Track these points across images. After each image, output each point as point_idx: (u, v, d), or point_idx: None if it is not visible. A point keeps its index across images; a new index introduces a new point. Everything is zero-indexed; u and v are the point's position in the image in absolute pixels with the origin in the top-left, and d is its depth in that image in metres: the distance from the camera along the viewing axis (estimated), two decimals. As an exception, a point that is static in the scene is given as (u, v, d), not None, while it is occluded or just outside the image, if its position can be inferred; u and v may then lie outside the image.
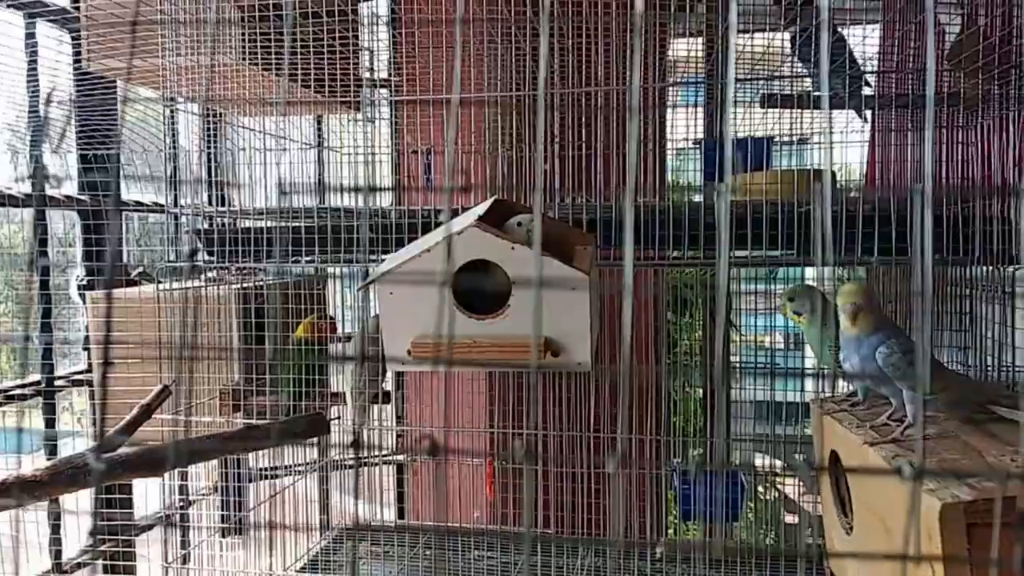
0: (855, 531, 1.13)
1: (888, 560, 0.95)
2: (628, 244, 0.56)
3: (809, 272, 2.02)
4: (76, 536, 2.14)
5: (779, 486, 3.08)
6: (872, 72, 1.94)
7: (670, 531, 2.93)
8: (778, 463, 2.52)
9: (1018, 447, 0.95)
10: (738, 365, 2.91)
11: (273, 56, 1.90)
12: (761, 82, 2.09)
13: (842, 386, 1.50)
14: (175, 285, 1.93)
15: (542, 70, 0.50)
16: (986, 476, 0.85)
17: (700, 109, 2.73)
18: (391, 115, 2.51)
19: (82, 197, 2.24)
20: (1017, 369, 1.59)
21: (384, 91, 2.53)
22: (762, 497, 3.34)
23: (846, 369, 1.15)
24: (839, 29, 1.79)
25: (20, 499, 1.33)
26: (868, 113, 2.11)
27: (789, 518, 3.11)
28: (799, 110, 1.97)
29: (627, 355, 0.52)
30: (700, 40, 2.69)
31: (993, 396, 1.08)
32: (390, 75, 2.45)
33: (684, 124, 2.60)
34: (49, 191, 2.16)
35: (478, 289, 1.43)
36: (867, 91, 1.82)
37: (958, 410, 1.02)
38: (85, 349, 2.16)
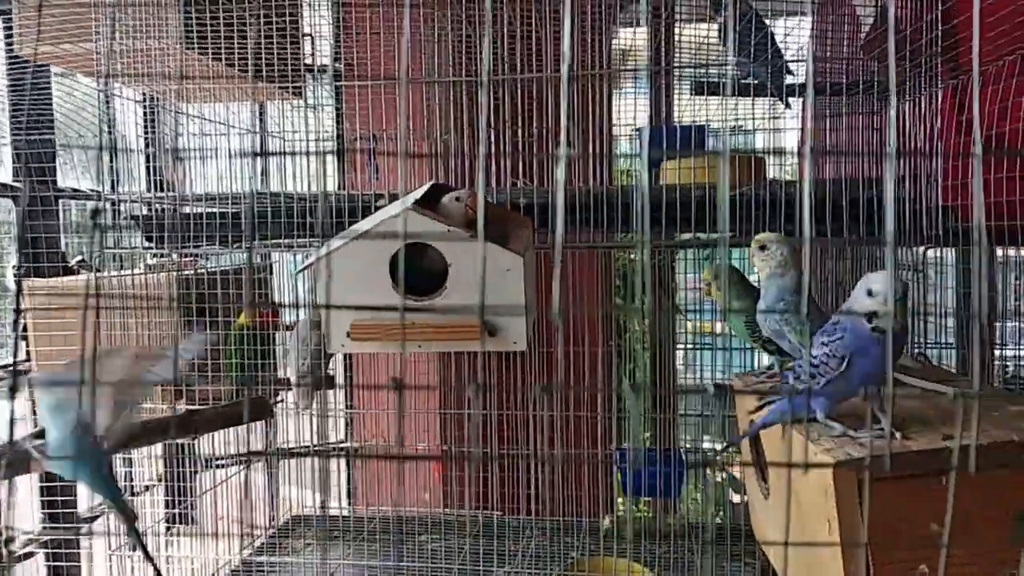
0: (771, 496, 1.20)
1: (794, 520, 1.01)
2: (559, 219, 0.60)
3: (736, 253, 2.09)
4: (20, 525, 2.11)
5: (727, 468, 3.17)
6: (796, 61, 2.01)
7: (619, 507, 3.00)
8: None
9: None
10: (683, 347, 2.97)
11: (210, 41, 1.89)
12: (696, 70, 2.15)
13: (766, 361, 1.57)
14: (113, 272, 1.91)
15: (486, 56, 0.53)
16: (874, 435, 0.91)
17: (644, 97, 2.79)
18: (334, 101, 2.51)
19: (16, 184, 2.19)
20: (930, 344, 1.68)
21: (326, 77, 2.52)
22: (710, 478, 3.43)
23: (758, 319, 1.22)
24: (764, 21, 1.86)
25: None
26: (797, 100, 2.18)
27: (735, 498, 3.20)
28: (734, 97, 2.04)
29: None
30: (644, 30, 2.74)
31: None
32: (335, 60, 2.45)
33: (631, 111, 2.65)
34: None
35: (415, 270, 1.46)
36: (790, 79, 1.89)
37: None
38: (23, 338, 2.12)
